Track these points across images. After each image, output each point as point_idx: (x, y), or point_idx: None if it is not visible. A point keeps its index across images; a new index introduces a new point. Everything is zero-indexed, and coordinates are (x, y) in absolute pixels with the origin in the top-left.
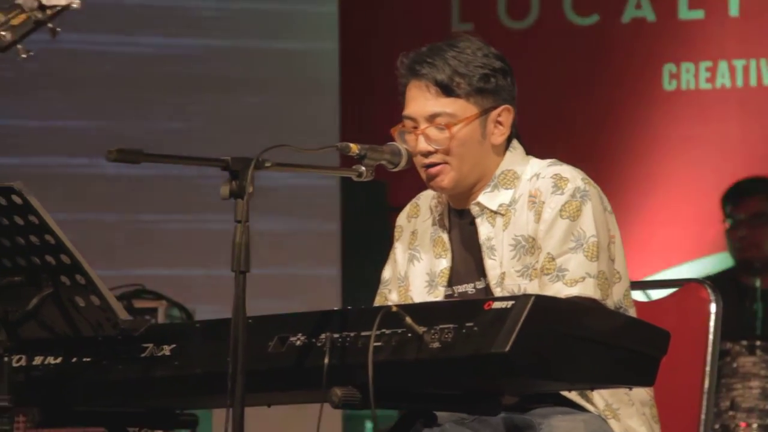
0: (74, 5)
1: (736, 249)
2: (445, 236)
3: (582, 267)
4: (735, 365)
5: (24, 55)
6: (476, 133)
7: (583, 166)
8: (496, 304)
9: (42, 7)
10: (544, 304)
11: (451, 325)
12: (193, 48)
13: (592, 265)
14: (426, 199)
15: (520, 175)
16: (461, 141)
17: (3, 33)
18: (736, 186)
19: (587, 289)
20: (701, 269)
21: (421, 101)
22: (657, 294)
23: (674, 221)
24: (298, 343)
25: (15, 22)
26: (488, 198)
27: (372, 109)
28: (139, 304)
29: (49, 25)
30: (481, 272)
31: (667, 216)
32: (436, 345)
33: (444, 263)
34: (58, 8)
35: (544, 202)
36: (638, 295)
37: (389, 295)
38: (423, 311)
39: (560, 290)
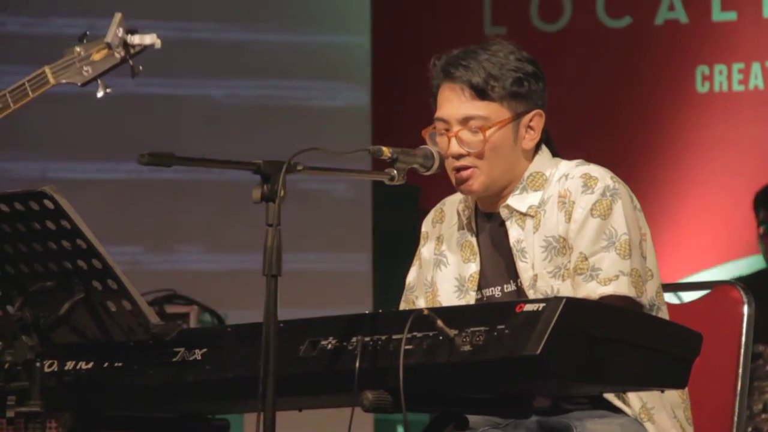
0: (157, 45)
1: None
2: (473, 240)
3: (615, 265)
4: None
5: (101, 93)
6: (508, 137)
7: (616, 168)
8: (528, 307)
9: (126, 45)
10: (575, 306)
11: (482, 328)
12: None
13: (625, 263)
14: (452, 203)
15: (548, 177)
16: (494, 144)
17: (85, 68)
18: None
19: (621, 287)
20: (734, 272)
21: (455, 104)
22: (689, 296)
23: (707, 224)
24: (330, 346)
25: (97, 57)
26: (517, 200)
27: (404, 113)
28: (170, 309)
29: (131, 63)
30: (510, 275)
31: (700, 218)
32: (467, 348)
33: (473, 267)
34: (142, 47)
35: (574, 202)
36: (670, 298)
37: (417, 302)
38: (454, 314)
39: (594, 289)
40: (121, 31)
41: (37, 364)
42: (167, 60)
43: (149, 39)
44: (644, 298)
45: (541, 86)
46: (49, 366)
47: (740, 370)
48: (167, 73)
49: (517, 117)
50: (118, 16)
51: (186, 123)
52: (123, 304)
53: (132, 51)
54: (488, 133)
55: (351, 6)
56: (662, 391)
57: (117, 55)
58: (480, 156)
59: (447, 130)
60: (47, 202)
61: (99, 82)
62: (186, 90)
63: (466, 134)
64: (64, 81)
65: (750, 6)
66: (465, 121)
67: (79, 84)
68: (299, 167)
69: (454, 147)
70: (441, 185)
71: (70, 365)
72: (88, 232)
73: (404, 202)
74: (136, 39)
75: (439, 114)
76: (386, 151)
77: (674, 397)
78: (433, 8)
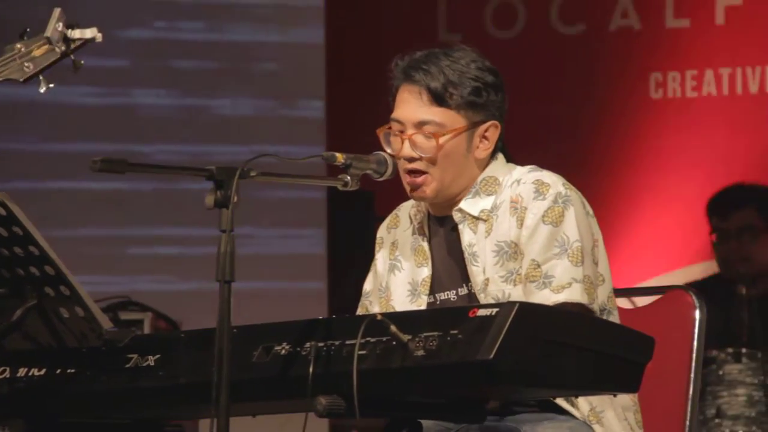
0: (97, 39)
1: (724, 262)
2: (425, 245)
3: (568, 272)
4: (721, 372)
5: (44, 88)
6: (461, 146)
7: (570, 174)
8: (481, 312)
9: (66, 40)
10: (528, 310)
11: (435, 333)
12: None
13: (578, 270)
14: (406, 209)
15: (501, 182)
16: (447, 152)
17: (26, 64)
18: (722, 197)
19: (574, 295)
20: (688, 277)
21: (412, 106)
22: (642, 301)
23: (662, 229)
24: (283, 352)
25: (38, 53)
26: (470, 204)
27: (357, 118)
28: (125, 315)
29: (72, 57)
30: (464, 279)
31: (654, 224)
32: (420, 353)
33: (425, 272)
34: (82, 41)
35: (526, 208)
36: (624, 302)
37: (371, 307)
38: (407, 319)
39: (548, 297)
40: (60, 26)
41: None
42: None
43: (90, 33)
44: (596, 304)
45: (500, 98)
46: (1, 373)
47: (692, 375)
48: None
49: (473, 126)
50: (57, 11)
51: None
52: (76, 311)
53: (73, 45)
54: (442, 139)
55: (305, 2)
56: (614, 395)
57: (58, 50)
58: (432, 161)
59: (401, 131)
60: None
61: (41, 78)
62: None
63: (419, 138)
64: (4, 78)
65: (703, 13)
66: (420, 125)
67: (20, 80)
68: (252, 173)
69: (407, 150)
70: (396, 191)
71: (22, 372)
72: (40, 238)
73: (359, 207)
74: (76, 33)
75: (395, 115)
76: (340, 157)
77: (625, 399)
78: (388, 15)
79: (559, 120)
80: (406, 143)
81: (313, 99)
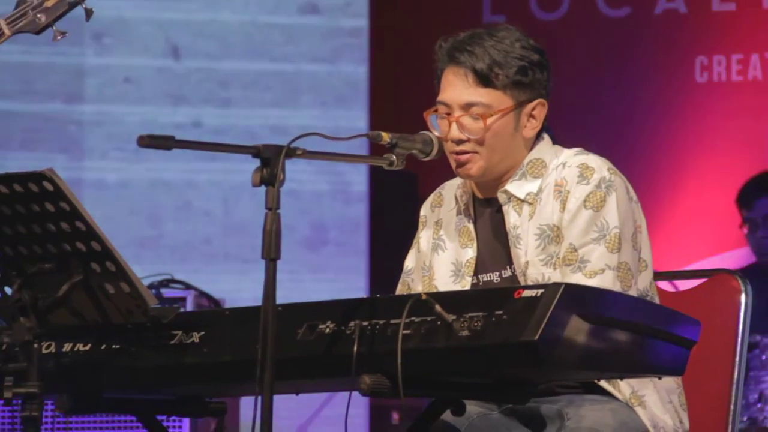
0: None
1: (759, 250)
2: (470, 226)
3: (603, 258)
4: (764, 357)
5: (59, 37)
6: (509, 126)
7: (614, 157)
8: (526, 293)
9: None
10: (574, 292)
11: (480, 314)
12: None
13: (613, 257)
14: (450, 188)
15: (547, 165)
16: (494, 132)
17: (38, 15)
18: (746, 187)
19: (606, 281)
20: (731, 263)
21: (458, 89)
22: (687, 285)
23: (705, 213)
24: (327, 330)
25: (49, 3)
26: (516, 186)
27: (403, 99)
28: (167, 294)
29: (83, 6)
30: (508, 260)
31: (698, 208)
32: (465, 333)
33: (470, 253)
34: None
35: (569, 192)
36: (667, 286)
37: (413, 285)
38: (452, 299)
39: (579, 281)
40: None
41: (35, 346)
42: None
43: None
44: (633, 290)
45: (545, 76)
46: (47, 347)
47: (737, 359)
48: None
49: (520, 105)
50: None
51: None
52: (121, 287)
53: None
54: (489, 120)
55: None
56: (659, 378)
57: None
58: (480, 143)
59: (448, 114)
60: (46, 184)
61: (53, 28)
62: None
63: (467, 120)
64: (18, 30)
65: None
66: (467, 107)
67: (34, 32)
68: (299, 152)
69: (455, 132)
70: (440, 172)
71: (67, 347)
72: (86, 214)
73: (402, 188)
74: None
75: (441, 97)
76: (385, 137)
77: (669, 382)
78: None
79: (603, 103)
80: (454, 125)
81: (356, 99)
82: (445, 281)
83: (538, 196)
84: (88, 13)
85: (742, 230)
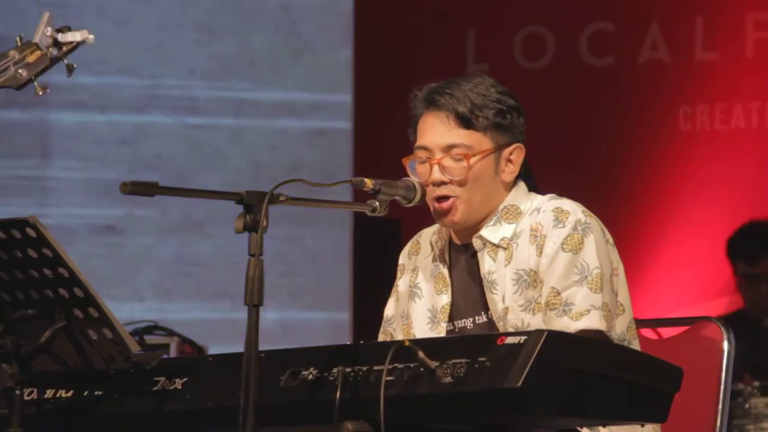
0: (89, 41)
1: (754, 305)
2: (445, 271)
3: (587, 299)
4: (747, 406)
5: (41, 93)
6: (490, 168)
7: (598, 205)
8: (509, 339)
9: (57, 44)
10: (556, 339)
11: (463, 360)
12: None
13: (597, 297)
14: (427, 235)
15: (522, 210)
16: (476, 174)
17: (20, 71)
18: (747, 239)
19: (593, 321)
20: (715, 310)
21: (439, 131)
22: (670, 332)
23: (689, 261)
24: (310, 377)
25: (31, 59)
26: (490, 231)
27: (386, 144)
28: (151, 340)
29: (65, 61)
30: (482, 306)
31: (682, 256)
32: (448, 380)
33: (445, 299)
34: (74, 44)
35: (545, 236)
36: (651, 333)
37: (394, 334)
38: (435, 346)
39: (567, 324)
40: (49, 30)
41: (17, 392)
42: None
43: (80, 35)
44: (614, 332)
45: (521, 121)
46: (29, 394)
47: (720, 407)
48: None
49: (499, 148)
50: (45, 15)
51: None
52: (104, 333)
53: (65, 49)
54: (472, 160)
55: (334, 32)
56: (642, 425)
57: (50, 55)
58: (461, 184)
59: (429, 158)
60: (29, 231)
61: (35, 83)
62: None
63: (448, 161)
64: (0, 86)
65: (732, 45)
66: (448, 148)
67: (15, 87)
68: (282, 198)
69: (436, 174)
70: (423, 218)
71: (50, 393)
72: (70, 260)
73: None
74: (67, 36)
75: (421, 142)
76: (369, 183)
77: (651, 429)
78: (417, 44)
79: (586, 151)
80: (435, 168)
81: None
82: (422, 328)
83: (513, 241)
84: (70, 68)
85: (734, 282)
